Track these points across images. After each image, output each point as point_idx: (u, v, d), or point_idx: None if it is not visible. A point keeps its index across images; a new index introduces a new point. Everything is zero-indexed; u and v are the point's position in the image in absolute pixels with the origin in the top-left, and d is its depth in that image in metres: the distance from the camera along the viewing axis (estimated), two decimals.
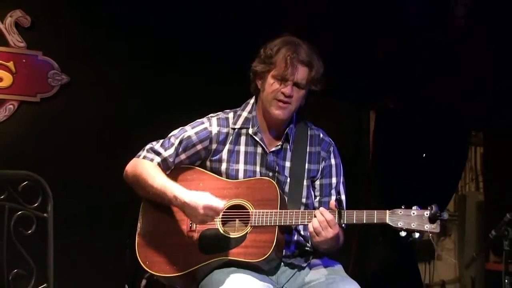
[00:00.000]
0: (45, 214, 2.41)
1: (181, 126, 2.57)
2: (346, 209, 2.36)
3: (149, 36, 4.24)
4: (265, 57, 2.50)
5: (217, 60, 4.25)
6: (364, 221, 2.33)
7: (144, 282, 3.47)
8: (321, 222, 2.32)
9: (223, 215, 2.43)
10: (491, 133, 4.60)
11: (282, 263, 2.47)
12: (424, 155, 4.72)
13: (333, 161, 2.59)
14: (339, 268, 2.50)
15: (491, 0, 4.21)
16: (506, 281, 2.67)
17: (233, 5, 4.30)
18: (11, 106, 3.97)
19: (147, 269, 2.46)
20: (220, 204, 2.36)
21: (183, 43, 4.27)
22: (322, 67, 2.52)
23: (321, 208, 2.35)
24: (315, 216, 2.34)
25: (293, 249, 2.50)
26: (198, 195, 2.36)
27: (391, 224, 2.29)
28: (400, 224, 2.28)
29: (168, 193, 2.41)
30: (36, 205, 2.41)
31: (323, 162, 2.58)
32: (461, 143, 4.87)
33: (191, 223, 2.46)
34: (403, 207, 2.30)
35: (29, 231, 2.37)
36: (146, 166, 2.50)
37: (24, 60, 4.00)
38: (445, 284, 5.17)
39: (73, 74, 4.09)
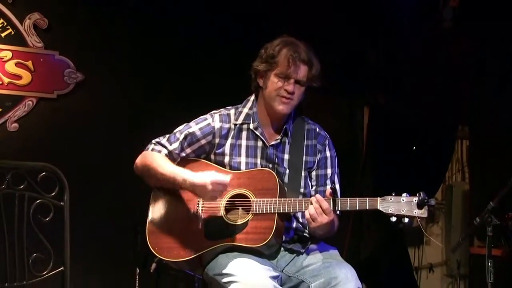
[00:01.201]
0: (61, 203, 2.42)
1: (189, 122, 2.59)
2: (340, 197, 2.37)
3: (161, 35, 4.23)
4: (267, 57, 2.51)
5: (230, 58, 4.23)
6: (357, 208, 2.34)
7: (154, 265, 3.48)
8: (317, 209, 2.34)
9: (226, 203, 2.45)
10: (476, 127, 4.59)
11: (282, 248, 2.49)
12: (414, 148, 4.72)
13: (328, 153, 2.61)
14: (335, 252, 2.51)
15: (478, 4, 4.20)
16: (489, 264, 2.67)
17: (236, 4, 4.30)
18: (30, 102, 3.98)
19: (156, 255, 2.48)
20: (227, 177, 2.39)
21: (196, 42, 4.26)
22: (319, 66, 2.54)
23: (317, 196, 2.37)
24: (311, 204, 2.35)
25: (292, 235, 2.52)
26: (204, 174, 2.39)
27: (382, 210, 2.31)
28: (390, 210, 2.30)
29: (178, 177, 2.43)
30: (53, 194, 2.42)
31: (319, 154, 2.59)
32: (448, 136, 4.86)
33: (197, 207, 2.47)
34: (393, 194, 2.32)
35: (47, 219, 2.38)
36: (155, 156, 2.53)
37: (41, 60, 4.00)
38: (432, 267, 5.17)
39: (88, 73, 4.09)
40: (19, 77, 3.95)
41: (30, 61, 3.97)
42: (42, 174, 2.39)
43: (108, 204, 3.92)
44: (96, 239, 3.85)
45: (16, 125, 3.94)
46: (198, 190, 2.40)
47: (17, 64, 3.94)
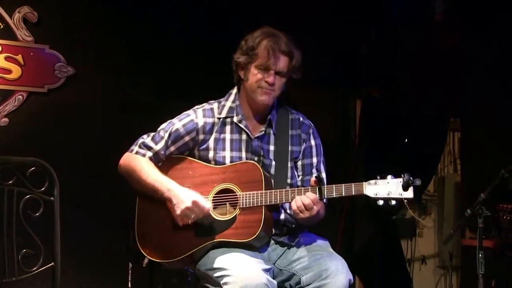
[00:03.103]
0: (51, 198, 2.39)
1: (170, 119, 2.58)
2: (326, 185, 2.37)
3: (151, 28, 4.20)
4: (247, 48, 2.49)
5: (218, 51, 4.20)
6: (343, 194, 2.33)
7: (146, 260, 3.46)
8: (299, 207, 2.33)
9: (213, 199, 2.43)
10: (467, 119, 4.60)
11: (273, 241, 2.48)
12: (406, 140, 4.72)
13: (313, 142, 2.60)
14: (326, 244, 2.50)
15: None
16: (480, 255, 2.68)
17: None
18: (20, 97, 3.94)
19: (148, 257, 2.48)
20: (208, 204, 2.38)
21: (186, 34, 4.24)
22: (300, 57, 2.52)
23: (296, 197, 2.35)
24: (300, 195, 2.34)
25: (281, 227, 2.51)
26: (189, 192, 2.39)
27: (368, 194, 2.30)
28: (376, 194, 2.29)
29: (160, 187, 2.43)
30: (43, 189, 2.39)
31: (304, 143, 2.59)
32: (440, 128, 4.87)
33: None
34: (378, 177, 2.30)
35: (37, 214, 2.36)
36: (140, 162, 2.51)
37: (32, 53, 3.96)
38: (425, 259, 5.19)
39: (79, 66, 4.05)
40: (9, 71, 3.91)
41: (20, 55, 3.93)
42: (31, 169, 2.37)
43: (99, 198, 3.89)
44: (87, 234, 3.83)
45: (6, 119, 3.90)
46: (175, 201, 2.38)
47: (6, 58, 3.90)
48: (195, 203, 2.36)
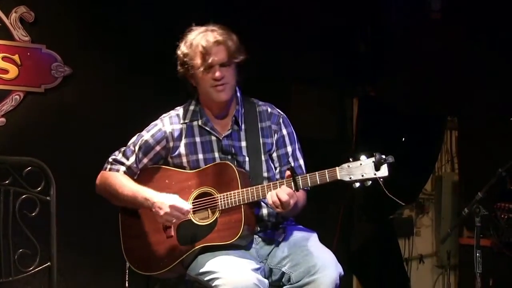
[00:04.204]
0: (47, 198, 2.40)
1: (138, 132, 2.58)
2: (306, 173, 2.35)
3: (149, 27, 4.18)
4: (183, 57, 2.49)
5: None
6: (318, 182, 2.30)
7: None
8: (275, 202, 2.30)
9: (193, 205, 2.42)
10: (465, 118, 4.60)
11: (260, 239, 2.46)
12: (403, 139, 4.72)
13: (284, 131, 2.57)
14: (313, 238, 2.48)
15: None
16: (477, 254, 2.68)
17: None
18: (17, 97, 3.93)
19: (138, 271, 2.48)
20: (187, 206, 2.37)
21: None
22: (235, 37, 2.48)
23: (268, 195, 2.32)
24: (279, 187, 2.30)
25: (265, 223, 2.50)
26: (166, 196, 2.37)
27: (342, 179, 2.26)
28: (351, 178, 2.25)
29: (138, 197, 2.43)
30: (39, 189, 2.39)
31: (276, 134, 2.56)
32: (437, 127, 4.87)
33: None
34: (350, 160, 2.27)
35: (33, 214, 2.36)
36: (114, 177, 2.51)
37: (28, 53, 3.94)
38: (422, 258, 5.18)
39: (75, 66, 4.04)
40: (5, 71, 3.90)
41: (17, 55, 3.92)
42: (27, 169, 2.36)
43: (96, 198, 3.86)
44: (84, 234, 3.81)
45: (3, 119, 3.89)
46: (155, 210, 2.38)
47: (3, 58, 3.89)
48: (172, 207, 2.35)
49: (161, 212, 2.35)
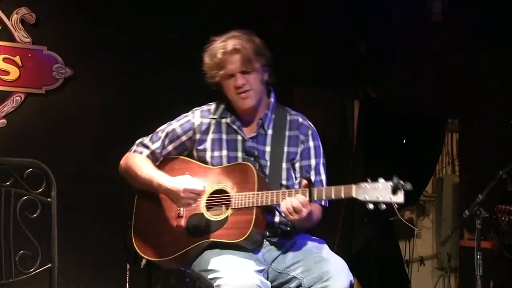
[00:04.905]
0: (49, 199, 2.40)
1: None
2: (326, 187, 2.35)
3: (149, 29, 4.19)
4: (208, 69, 2.52)
5: None
6: (333, 197, 2.30)
7: (144, 261, 3.44)
8: (288, 208, 2.30)
9: (207, 200, 2.43)
10: (465, 120, 4.61)
11: (267, 243, 2.47)
12: (404, 141, 4.72)
13: (311, 144, 2.57)
14: (324, 246, 2.49)
15: None
16: (478, 256, 2.67)
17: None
18: (18, 98, 3.93)
19: (142, 255, 2.49)
20: (200, 185, 2.39)
21: (184, 36, 4.23)
22: (253, 43, 2.48)
23: (286, 199, 2.33)
24: (290, 197, 2.31)
25: (276, 229, 2.50)
26: (178, 180, 2.39)
27: (357, 197, 2.25)
28: (366, 197, 2.24)
29: (154, 182, 2.44)
30: (40, 190, 2.39)
31: (302, 145, 2.56)
32: (438, 129, 4.87)
33: (179, 210, 2.47)
34: (369, 180, 2.25)
35: (34, 215, 2.36)
36: (136, 159, 2.53)
37: (29, 55, 3.95)
38: (423, 260, 5.18)
39: (76, 68, 4.04)
40: (6, 72, 3.90)
41: (18, 57, 3.92)
42: (29, 170, 2.36)
43: (97, 200, 3.89)
44: (84, 235, 3.82)
45: (4, 121, 3.89)
46: (171, 196, 2.41)
47: (4, 60, 3.89)
48: (186, 191, 2.37)
49: (177, 199, 2.38)
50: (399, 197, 2.20)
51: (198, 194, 2.39)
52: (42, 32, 3.99)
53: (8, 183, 2.34)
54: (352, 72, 4.67)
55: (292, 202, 2.30)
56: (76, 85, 4.04)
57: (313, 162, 2.57)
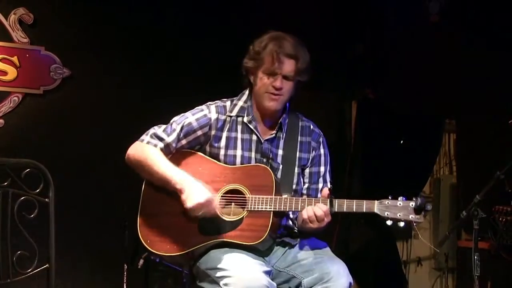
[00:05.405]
0: (46, 199, 2.38)
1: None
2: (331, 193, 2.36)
3: (147, 29, 4.20)
4: (254, 53, 2.49)
5: (216, 51, 4.20)
6: (354, 210, 2.33)
7: (141, 261, 3.46)
8: (310, 217, 2.32)
9: (221, 198, 2.42)
10: (463, 121, 4.61)
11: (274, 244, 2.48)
12: (402, 141, 4.72)
13: (322, 151, 2.60)
14: (326, 248, 2.50)
15: None
16: (475, 257, 2.68)
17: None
18: (15, 98, 3.94)
19: (148, 248, 2.45)
20: (217, 207, 2.37)
21: (182, 35, 4.23)
22: (308, 58, 2.50)
23: (314, 208, 2.34)
24: (314, 205, 2.32)
25: (282, 231, 2.50)
26: (204, 188, 2.36)
27: (379, 213, 2.30)
28: (387, 214, 2.29)
29: (174, 177, 2.40)
30: (38, 190, 2.37)
31: (313, 151, 2.57)
32: (435, 130, 4.88)
33: None
34: (390, 197, 2.31)
35: (32, 215, 2.33)
36: (151, 152, 2.47)
37: (27, 55, 3.96)
38: (421, 261, 5.19)
39: (74, 68, 4.05)
40: (4, 72, 3.91)
41: (16, 57, 3.93)
42: (26, 171, 2.35)
43: (95, 200, 3.89)
44: (82, 236, 3.82)
45: (1, 121, 3.90)
46: (188, 194, 2.36)
47: (2, 60, 3.90)
48: (209, 201, 2.34)
49: (194, 200, 2.33)
50: (421, 218, 2.28)
51: (210, 211, 2.36)
52: (39, 32, 3.99)
53: (5, 184, 2.33)
54: (350, 73, 4.68)
55: (315, 211, 2.31)
56: (74, 86, 4.05)
57: (322, 169, 2.58)
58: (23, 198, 2.34)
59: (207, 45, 4.21)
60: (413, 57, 4.42)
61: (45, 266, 2.35)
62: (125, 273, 3.57)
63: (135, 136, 2.60)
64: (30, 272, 2.34)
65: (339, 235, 4.62)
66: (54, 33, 4.04)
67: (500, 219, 3.48)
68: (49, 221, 2.38)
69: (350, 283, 2.34)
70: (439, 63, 4.32)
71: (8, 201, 2.31)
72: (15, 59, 3.93)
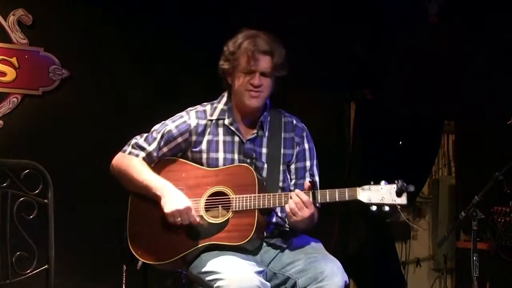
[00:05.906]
0: (45, 200, 2.39)
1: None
2: (320, 189, 2.36)
3: (147, 29, 4.19)
4: (229, 54, 2.51)
5: (216, 51, 4.19)
6: (337, 199, 2.32)
7: (140, 262, 3.44)
8: (297, 203, 2.32)
9: (206, 202, 2.43)
10: (461, 122, 4.62)
11: (264, 244, 2.48)
12: (400, 142, 4.72)
13: (306, 146, 2.59)
14: (319, 246, 2.50)
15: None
16: (474, 257, 2.68)
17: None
18: (14, 99, 3.93)
19: (140, 259, 2.47)
20: (196, 217, 2.39)
21: (182, 36, 4.23)
22: (283, 53, 2.50)
23: (297, 190, 2.36)
24: (291, 198, 2.33)
25: (272, 230, 2.51)
26: (184, 196, 2.39)
27: (362, 200, 2.29)
28: (370, 200, 2.28)
29: (154, 184, 2.43)
30: (37, 191, 2.38)
31: (297, 147, 2.57)
32: (434, 131, 4.88)
33: None
34: (372, 183, 2.29)
35: (31, 216, 2.34)
36: (133, 162, 2.51)
37: (26, 56, 3.95)
38: (419, 261, 5.19)
39: (73, 69, 4.05)
40: (3, 73, 3.90)
41: (15, 58, 3.92)
42: (25, 172, 2.36)
43: (93, 201, 3.88)
44: (81, 236, 3.82)
45: (0, 122, 3.89)
46: (167, 200, 2.39)
47: (1, 61, 3.89)
48: (187, 209, 2.37)
49: (173, 207, 2.37)
50: (403, 199, 2.26)
51: (189, 219, 2.38)
52: (38, 33, 3.99)
53: (4, 184, 2.33)
54: (349, 74, 4.68)
55: (294, 201, 2.31)
56: (73, 87, 4.05)
57: (308, 163, 2.58)
58: (22, 199, 2.35)
59: (207, 45, 4.20)
60: (412, 58, 4.42)
61: (44, 267, 2.36)
62: (124, 273, 3.56)
63: (132, 135, 2.60)
64: (29, 273, 2.34)
65: (338, 236, 4.62)
66: (53, 34, 4.04)
67: (499, 220, 3.49)
68: (48, 222, 2.39)
69: (346, 282, 2.34)
70: (438, 64, 4.33)
71: (7, 202, 2.32)
72: (14, 60, 3.92)
